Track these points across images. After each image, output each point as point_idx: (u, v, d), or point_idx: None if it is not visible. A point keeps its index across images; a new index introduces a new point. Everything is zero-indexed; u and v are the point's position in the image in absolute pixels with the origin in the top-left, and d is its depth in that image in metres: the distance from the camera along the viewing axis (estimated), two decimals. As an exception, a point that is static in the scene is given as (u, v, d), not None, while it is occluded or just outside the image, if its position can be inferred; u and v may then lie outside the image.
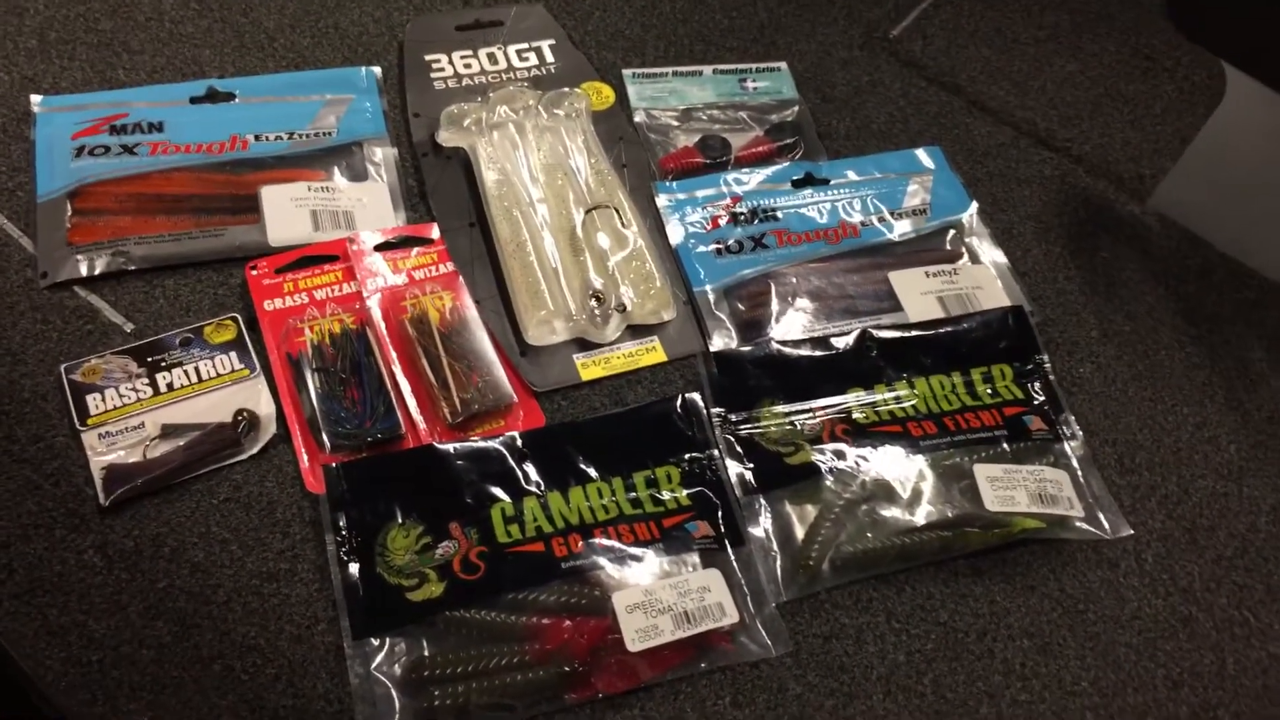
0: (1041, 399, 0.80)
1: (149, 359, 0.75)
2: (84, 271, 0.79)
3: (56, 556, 0.67)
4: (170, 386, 0.74)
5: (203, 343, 0.76)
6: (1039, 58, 1.07)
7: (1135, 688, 0.71)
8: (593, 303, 0.80)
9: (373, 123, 0.92)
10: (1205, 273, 0.93)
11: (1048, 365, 0.82)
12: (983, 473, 0.75)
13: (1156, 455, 0.82)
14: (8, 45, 0.91)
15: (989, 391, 0.80)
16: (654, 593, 0.67)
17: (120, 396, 0.73)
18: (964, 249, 0.90)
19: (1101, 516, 0.75)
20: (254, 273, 0.80)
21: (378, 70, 0.95)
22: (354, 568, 0.67)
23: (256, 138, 0.88)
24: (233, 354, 0.76)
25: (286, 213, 0.84)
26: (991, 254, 0.90)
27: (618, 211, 0.85)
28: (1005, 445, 0.77)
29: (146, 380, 0.74)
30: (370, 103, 0.93)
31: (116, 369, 0.74)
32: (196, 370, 0.75)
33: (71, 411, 0.72)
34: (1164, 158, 1.00)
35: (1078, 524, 0.74)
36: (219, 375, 0.75)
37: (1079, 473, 0.77)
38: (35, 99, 0.88)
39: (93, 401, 0.72)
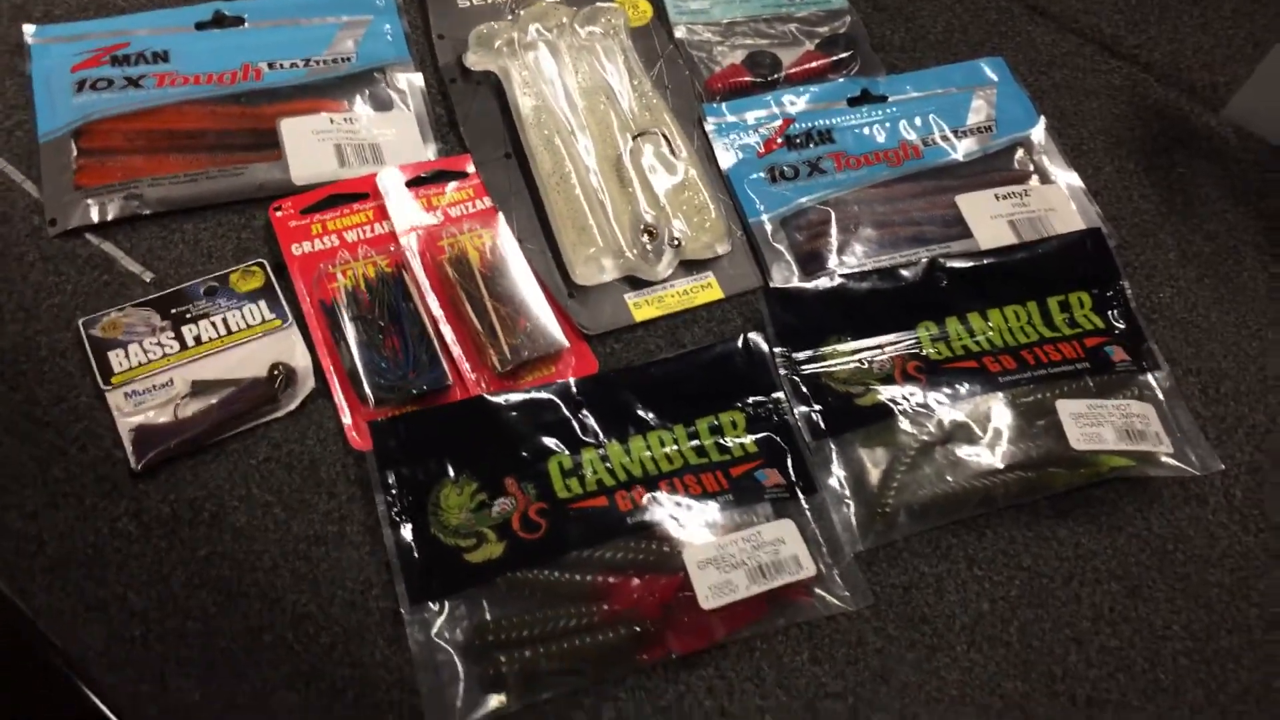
0: (1122, 327, 0.75)
1: (173, 311, 0.70)
2: (95, 217, 0.73)
3: (89, 526, 0.63)
4: (198, 340, 0.69)
5: (229, 292, 0.71)
6: (1102, -42, 0.99)
7: (1229, 629, 0.67)
8: (644, 238, 0.75)
9: (394, 46, 0.85)
10: (1287, 187, 0.88)
11: (1128, 291, 0.76)
12: (1066, 409, 0.70)
13: (1242, 384, 0.77)
14: (-6, -29, 0.84)
15: (1067, 321, 0.75)
16: (726, 547, 0.63)
17: (145, 352, 0.68)
18: (1033, 168, 0.84)
19: (1190, 451, 0.71)
20: (279, 214, 0.74)
21: (396, -13, 0.88)
22: (407, 529, 0.63)
23: (270, 65, 0.82)
24: (262, 303, 0.71)
25: (309, 147, 0.78)
26: (1062, 173, 0.84)
27: (666, 137, 0.79)
28: (1088, 379, 0.72)
29: (172, 334, 0.69)
30: (390, 24, 0.86)
31: (139, 322, 0.69)
32: (225, 321, 0.70)
33: (94, 369, 0.67)
34: (1237, 64, 0.94)
35: (1166, 460, 0.70)
36: (249, 326, 0.70)
37: (1165, 405, 0.73)
38: (28, 29, 0.81)
39: (115, 358, 0.67)
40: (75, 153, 0.75)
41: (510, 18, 0.85)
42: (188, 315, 0.70)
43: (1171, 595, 0.68)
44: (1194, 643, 0.67)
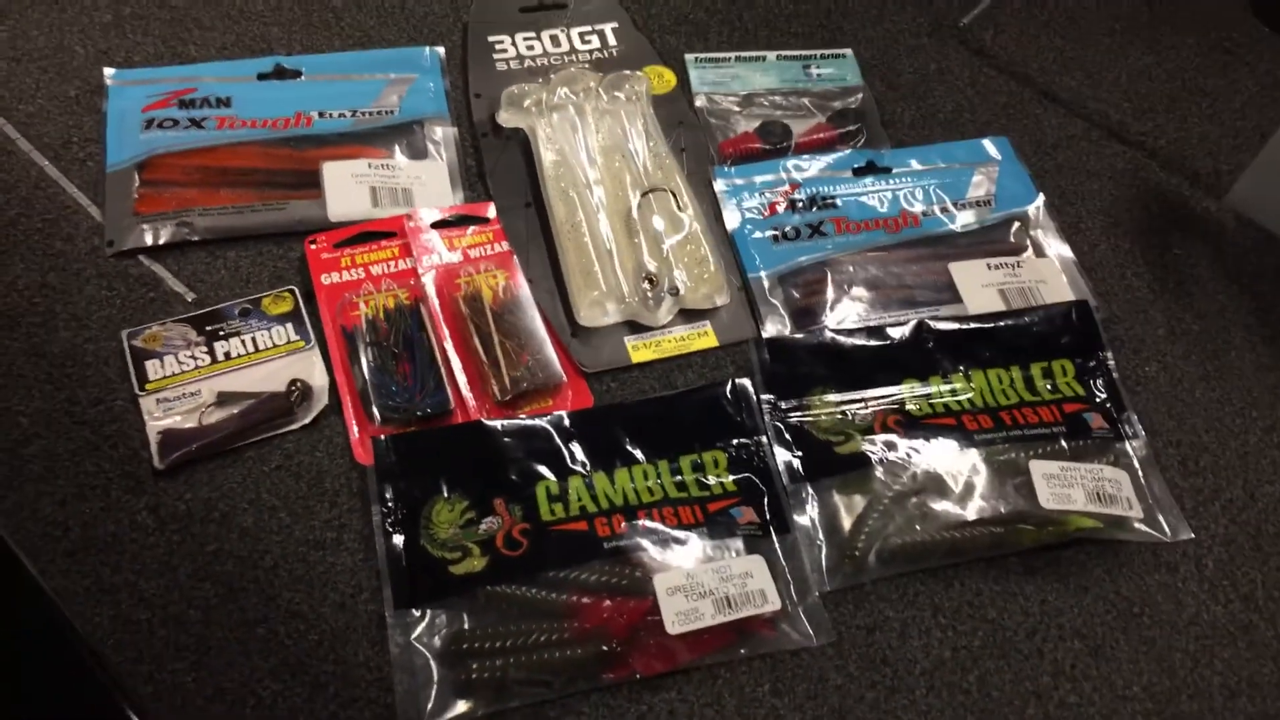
0: (1103, 396, 0.78)
1: (208, 328, 0.76)
2: (149, 241, 0.80)
3: (111, 517, 0.68)
4: (228, 355, 0.75)
5: (260, 314, 0.77)
6: (1114, 49, 1.04)
7: (1190, 694, 0.68)
8: (645, 285, 0.80)
9: (434, 102, 0.92)
10: (1282, 272, 0.90)
11: (1111, 362, 0.79)
12: (1039, 469, 0.73)
13: (1222, 458, 0.79)
14: (84, 20, 0.94)
15: (1049, 387, 0.78)
16: (696, 576, 0.66)
17: (179, 363, 0.74)
18: (1028, 242, 0.88)
19: (1161, 518, 0.73)
20: (313, 247, 0.81)
21: (441, 50, 0.95)
22: (398, 539, 0.67)
23: (320, 114, 0.89)
24: (289, 325, 0.77)
25: (347, 188, 0.85)
26: (1057, 248, 0.88)
27: (674, 194, 0.85)
28: (1064, 442, 0.75)
29: (205, 348, 0.75)
30: (433, 82, 0.93)
31: (177, 336, 0.75)
32: (254, 340, 0.76)
33: (132, 376, 0.73)
34: (1243, 154, 0.96)
35: (1136, 525, 0.72)
36: (275, 346, 0.76)
37: (1140, 473, 0.75)
38: (108, 72, 0.90)
39: (152, 367, 0.74)
40: (138, 183, 0.83)
41: (541, 80, 0.92)
42: (221, 332, 0.76)
43: (1135, 657, 0.69)
44: (1154, 704, 0.68)
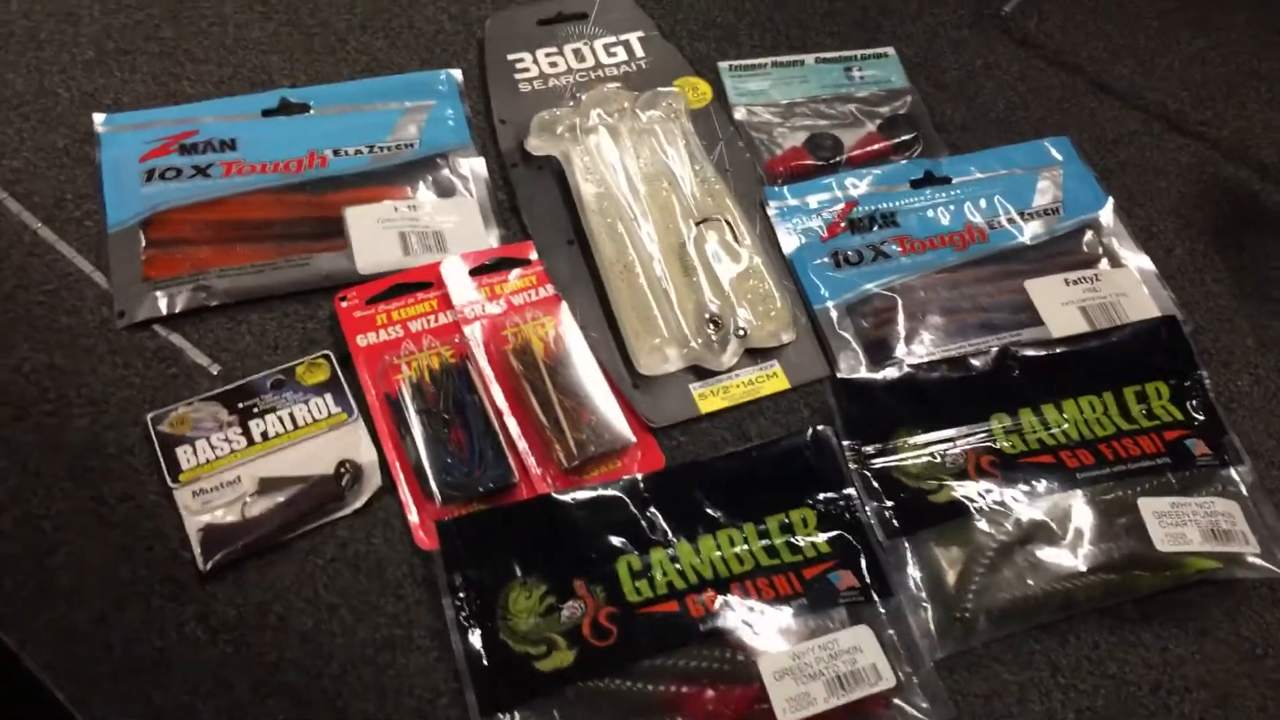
0: (1202, 419, 0.73)
1: (240, 405, 0.69)
2: (164, 309, 0.73)
3: (156, 629, 0.62)
4: (265, 435, 0.68)
5: (295, 384, 0.71)
6: (1164, 32, 0.98)
7: (1325, 742, 0.65)
8: (710, 329, 0.74)
9: (456, 131, 0.85)
10: (1362, 268, 0.85)
11: (1207, 381, 0.74)
12: (1149, 507, 0.68)
13: (1327, 477, 0.75)
14: (64, 58, 0.86)
15: (1144, 412, 0.73)
16: (802, 656, 0.61)
17: (213, 448, 0.68)
18: (1102, 250, 0.83)
19: (1277, 551, 0.69)
20: (344, 304, 0.74)
21: (458, 73, 0.88)
22: (476, 635, 0.61)
23: (335, 153, 0.82)
24: (328, 396, 0.70)
25: (374, 236, 0.78)
26: (1133, 256, 0.83)
27: (729, 224, 0.79)
28: (1169, 475, 0.70)
29: (239, 429, 0.68)
30: (452, 109, 0.86)
31: (207, 417, 0.69)
32: (291, 416, 0.69)
33: (162, 466, 0.67)
34: (1309, 140, 0.92)
35: (1252, 560, 0.68)
36: (315, 421, 0.69)
37: (1249, 502, 0.70)
38: (98, 118, 0.82)
39: (184, 455, 0.67)
40: (144, 243, 0.76)
41: (571, 103, 0.85)
42: (255, 410, 0.69)
43: (1263, 704, 0.65)
44: (1289, 756, 0.64)
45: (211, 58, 0.87)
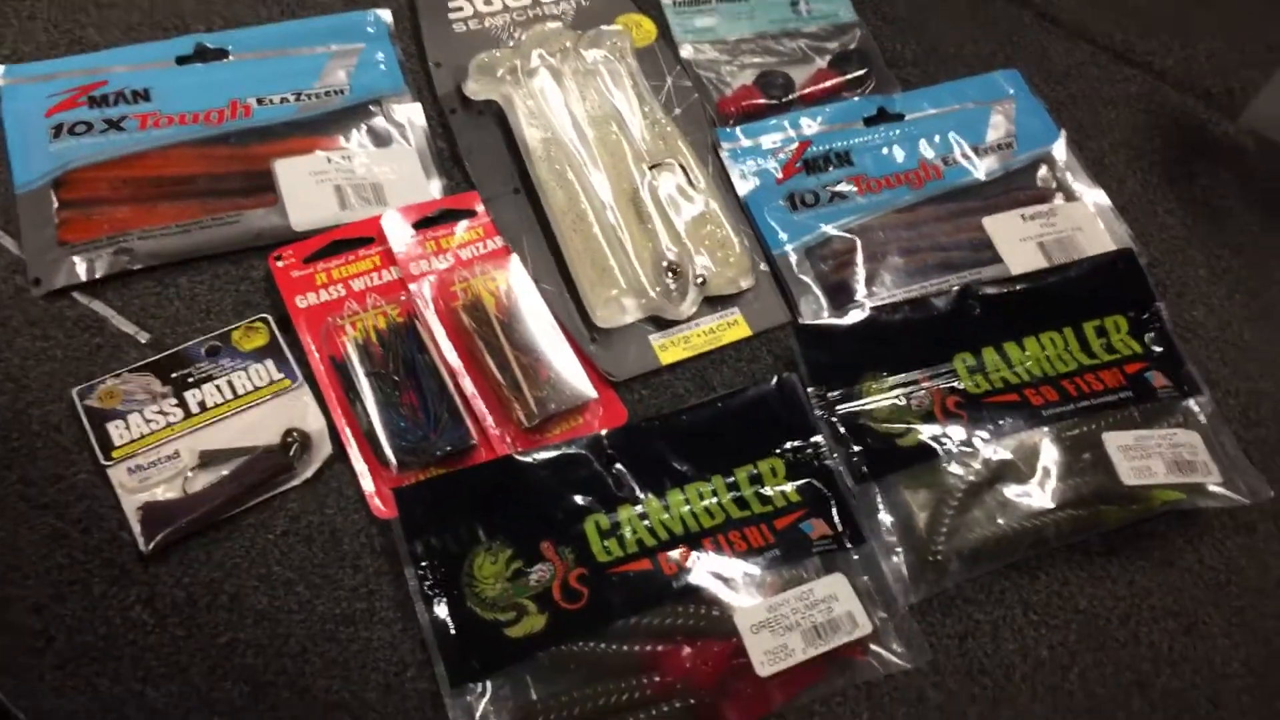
0: (1160, 351, 0.73)
1: (173, 375, 0.65)
2: (83, 275, 0.68)
3: (99, 616, 0.58)
4: (203, 405, 0.64)
5: (232, 350, 0.67)
6: (1108, -39, 0.97)
7: (1287, 663, 0.66)
8: (668, 277, 0.71)
9: (389, 76, 0.81)
10: (1309, 195, 0.86)
11: (1164, 313, 0.74)
12: (1113, 442, 0.68)
13: (1280, 403, 0.76)
14: (-47, 5, 0.79)
15: (1104, 346, 0.73)
16: (778, 608, 0.60)
17: (147, 422, 0.63)
18: (1056, 185, 0.82)
19: (1238, 479, 0.69)
20: (280, 264, 0.70)
21: (387, 13, 0.83)
22: (441, 604, 0.59)
23: (259, 101, 0.77)
24: (268, 362, 0.66)
25: (307, 190, 0.73)
26: (1086, 189, 0.82)
27: (683, 168, 0.76)
28: (1132, 409, 0.70)
29: (174, 400, 0.64)
30: (383, 52, 0.81)
31: (138, 389, 0.64)
32: (230, 384, 0.65)
33: (92, 443, 0.62)
34: (1251, 69, 0.92)
35: (1215, 489, 0.68)
36: (256, 389, 0.65)
37: (1210, 432, 0.71)
38: (-4, 69, 0.76)
39: (115, 430, 0.63)
40: (56, 205, 0.70)
41: (510, 43, 0.81)
42: (190, 379, 0.65)
43: (1229, 630, 0.66)
44: (1255, 679, 0.65)
45: (118, 2, 0.81)
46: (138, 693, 0.57)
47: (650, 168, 0.76)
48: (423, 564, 0.60)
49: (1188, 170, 0.86)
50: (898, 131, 0.82)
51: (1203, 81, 0.91)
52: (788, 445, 0.67)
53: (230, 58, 0.79)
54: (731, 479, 0.65)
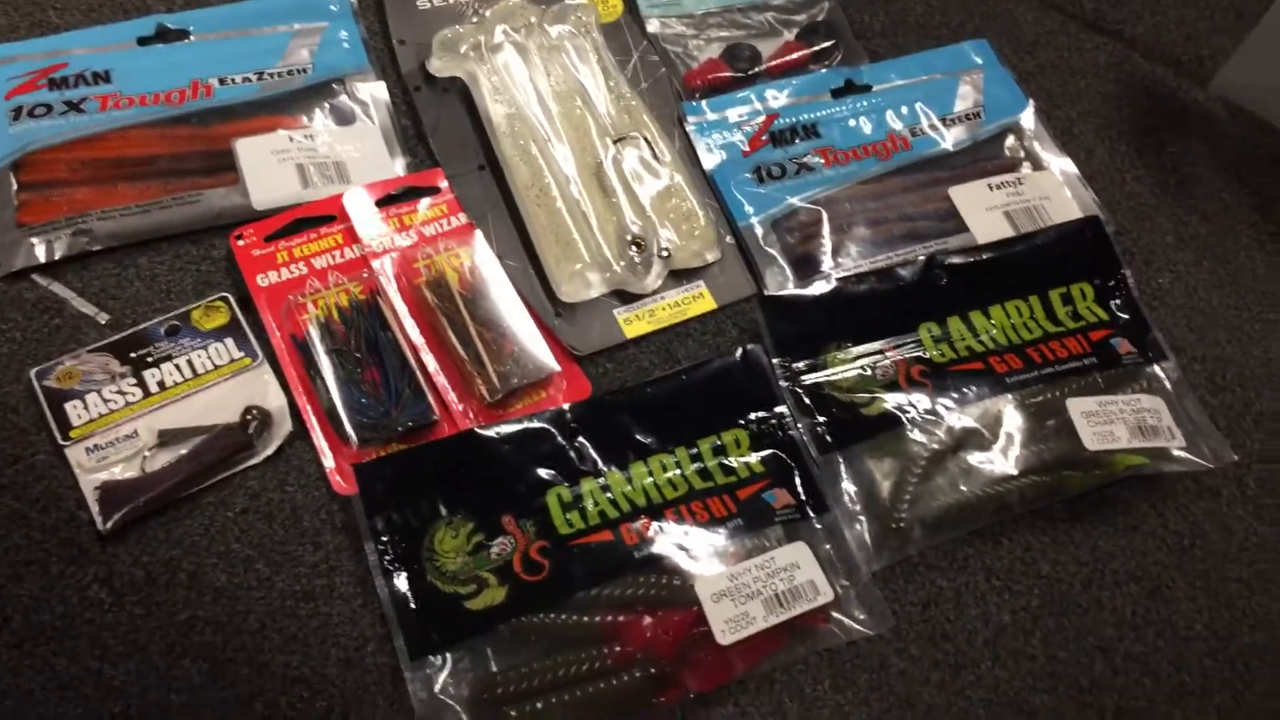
0: (1126, 318, 0.73)
1: (132, 354, 0.65)
2: (42, 257, 0.68)
3: (56, 596, 0.58)
4: (162, 385, 0.64)
5: (192, 330, 0.66)
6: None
7: (1251, 625, 0.66)
8: (632, 250, 0.71)
9: (352, 54, 0.80)
10: (1278, 161, 0.86)
11: (1130, 280, 0.74)
12: (1077, 408, 0.68)
13: (1247, 369, 0.75)
14: (-89, -11, 0.78)
15: (1070, 314, 0.73)
16: (739, 576, 0.60)
17: (105, 402, 0.63)
18: (1024, 154, 0.82)
19: (1202, 444, 0.69)
20: (240, 243, 0.70)
21: (350, -9, 0.83)
22: (401, 578, 0.59)
23: (221, 81, 0.77)
24: (229, 340, 0.66)
25: (268, 169, 0.73)
26: (1054, 158, 0.82)
27: (648, 142, 0.76)
28: (1096, 375, 0.70)
29: (133, 380, 0.64)
30: (346, 30, 0.81)
31: (97, 369, 0.64)
32: (190, 363, 0.65)
33: (51, 424, 0.62)
34: (1221, 35, 0.92)
35: (1179, 454, 0.68)
36: (216, 367, 0.65)
37: (1174, 397, 0.71)
38: (-46, 53, 0.75)
39: (74, 410, 0.63)
40: (15, 187, 0.70)
41: (475, 19, 0.81)
42: (149, 359, 0.65)
43: (1192, 594, 0.66)
44: (1218, 642, 0.65)
45: (78, -17, 0.80)
46: (95, 671, 0.56)
47: (615, 142, 0.75)
48: (383, 539, 0.60)
49: (1157, 139, 0.85)
50: (865, 103, 0.82)
51: (1173, 49, 0.90)
52: (752, 416, 0.67)
53: (192, 38, 0.79)
54: (695, 450, 0.65)
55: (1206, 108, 0.88)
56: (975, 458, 0.67)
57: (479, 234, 0.72)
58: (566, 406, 0.65)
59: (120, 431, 0.62)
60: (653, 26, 0.84)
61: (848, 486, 0.66)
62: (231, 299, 0.68)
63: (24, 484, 0.61)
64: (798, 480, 0.65)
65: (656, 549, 0.61)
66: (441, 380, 0.66)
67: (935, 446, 0.67)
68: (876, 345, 0.70)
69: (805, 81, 0.82)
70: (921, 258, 0.73)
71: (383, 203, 0.73)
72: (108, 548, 0.60)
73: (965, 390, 0.69)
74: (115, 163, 0.72)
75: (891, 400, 0.68)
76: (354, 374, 0.66)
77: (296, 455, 0.64)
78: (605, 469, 0.64)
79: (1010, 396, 0.69)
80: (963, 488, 0.66)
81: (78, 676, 0.56)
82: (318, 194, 0.73)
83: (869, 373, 0.69)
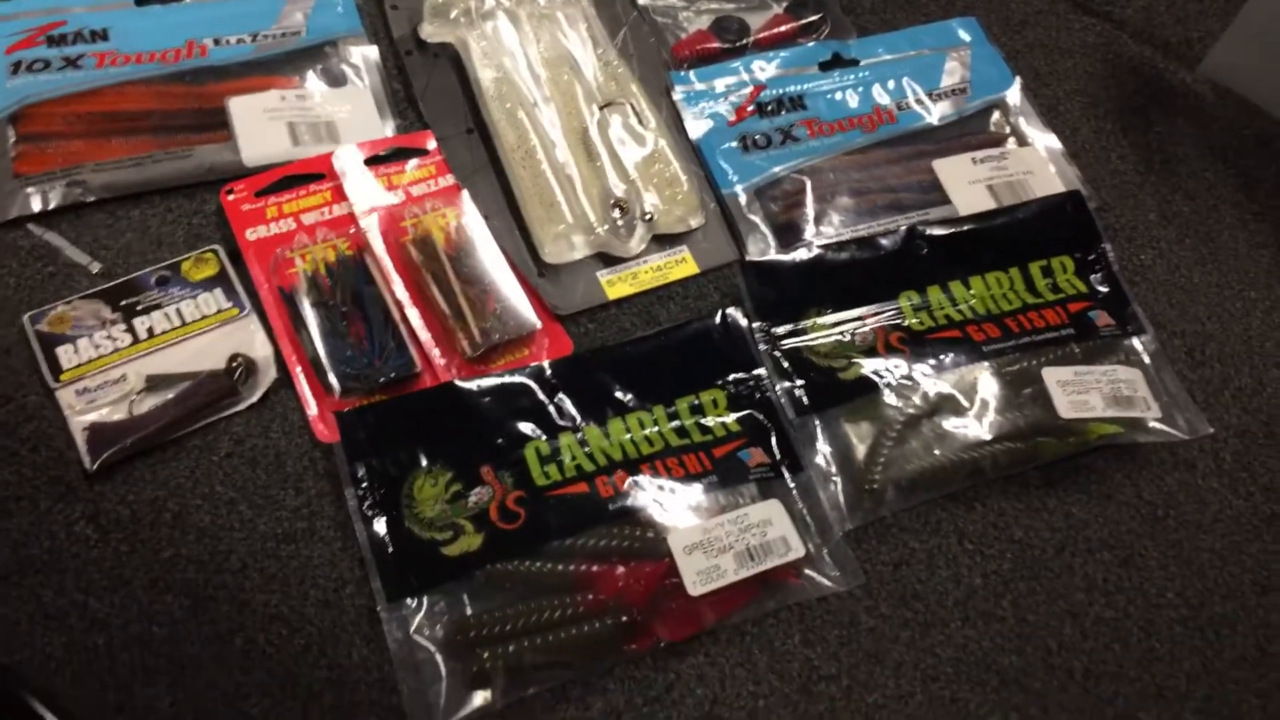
0: (1106, 291, 0.74)
1: (123, 302, 0.66)
2: (37, 206, 0.69)
3: (44, 531, 0.59)
4: (151, 332, 0.65)
5: (182, 280, 0.68)
6: (1071, -88, 0.97)
7: (1222, 595, 0.66)
8: (615, 213, 0.72)
9: (345, 18, 0.81)
10: (1264, 143, 0.86)
11: (1110, 254, 0.75)
12: (1053, 376, 0.69)
13: (1226, 345, 0.76)
14: (-84, -53, 0.79)
15: (1049, 286, 0.73)
16: (712, 530, 0.61)
17: (95, 346, 0.64)
18: (1009, 130, 0.83)
19: (1178, 416, 0.70)
20: (230, 197, 0.71)
21: (346, -43, 0.84)
22: (380, 523, 0.60)
23: (216, 42, 0.78)
24: (217, 291, 0.67)
25: (260, 127, 0.74)
26: (1039, 135, 0.82)
27: (633, 108, 0.77)
28: (1074, 345, 0.71)
29: (123, 326, 0.65)
30: (341, -6, 0.82)
31: (88, 315, 0.65)
32: (179, 312, 0.66)
33: (42, 366, 0.63)
34: (1210, 18, 0.92)
35: (1154, 425, 0.69)
36: (205, 316, 0.66)
37: (1152, 369, 0.71)
38: (-44, 9, 0.76)
39: (65, 354, 0.64)
40: (13, 138, 0.71)
41: (468, -14, 0.82)
42: (139, 306, 0.66)
43: (1164, 563, 0.67)
44: (1188, 610, 0.66)
45: (80, -56, 0.82)
46: (80, 604, 0.58)
47: (601, 107, 0.76)
48: (363, 485, 0.61)
49: (1144, 119, 0.86)
50: (852, 77, 0.83)
51: (1162, 31, 0.91)
52: (730, 377, 0.68)
53: (188, 0, 0.80)
54: (673, 409, 0.66)
55: (1194, 89, 0.88)
56: (950, 423, 0.68)
57: (465, 194, 0.73)
58: (547, 363, 0.66)
59: (109, 375, 0.64)
60: (644, -2, 0.85)
61: (823, 448, 0.67)
62: (221, 251, 0.69)
63: (15, 423, 0.62)
64: (774, 440, 0.66)
65: (631, 502, 0.62)
66: (425, 335, 0.67)
67: (911, 411, 0.68)
68: (856, 312, 0.71)
69: (793, 54, 0.83)
70: (903, 228, 0.74)
71: (372, 162, 0.74)
72: (95, 486, 0.61)
73: (942, 357, 0.69)
74: (110, 117, 0.73)
75: (869, 366, 0.69)
76: (339, 327, 0.67)
77: (281, 403, 0.65)
78: (584, 424, 0.65)
79: (987, 364, 0.70)
80: (937, 452, 0.67)
81: (63, 609, 0.57)
82: (307, 152, 0.74)
83: (848, 338, 0.70)
